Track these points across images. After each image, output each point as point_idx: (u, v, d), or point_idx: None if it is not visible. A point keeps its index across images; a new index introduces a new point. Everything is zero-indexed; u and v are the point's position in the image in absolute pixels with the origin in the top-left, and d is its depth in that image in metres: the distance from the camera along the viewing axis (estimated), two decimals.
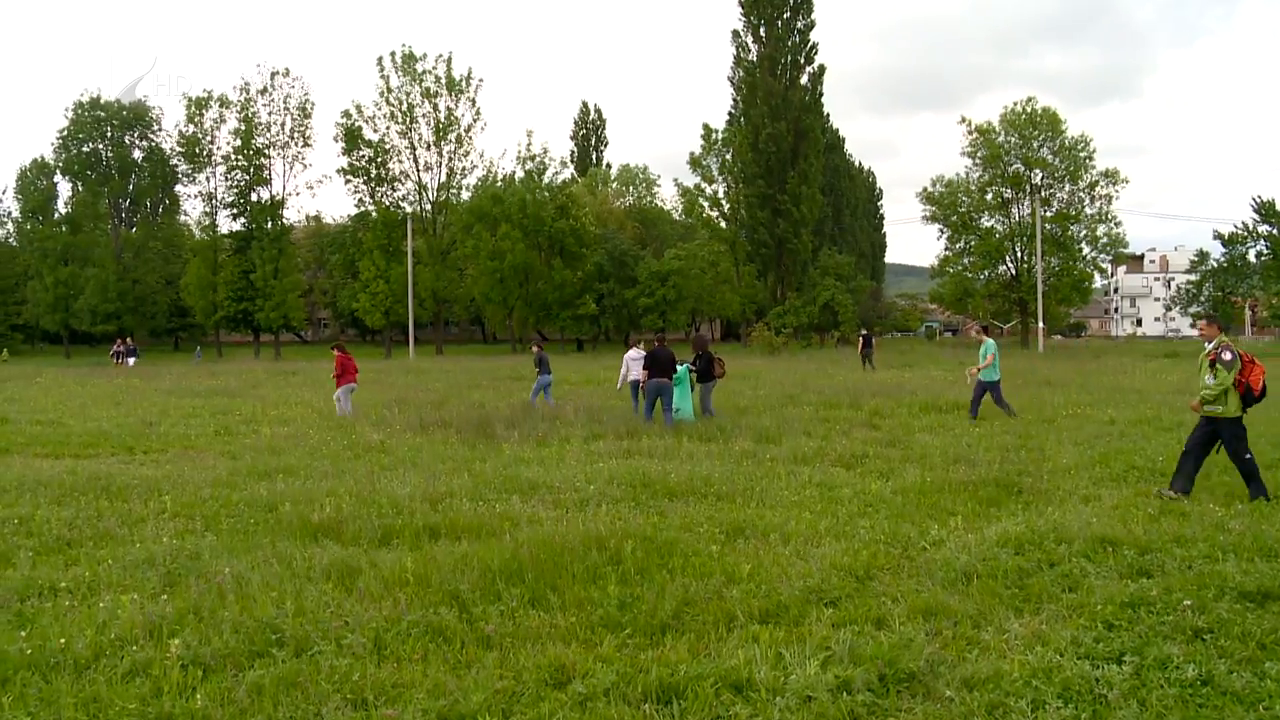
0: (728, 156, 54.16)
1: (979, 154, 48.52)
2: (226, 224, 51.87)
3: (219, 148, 50.73)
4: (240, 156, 50.13)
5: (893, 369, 25.38)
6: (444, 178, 52.36)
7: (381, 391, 19.94)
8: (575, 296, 51.11)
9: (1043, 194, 48.52)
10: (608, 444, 10.29)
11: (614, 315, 52.91)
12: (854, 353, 35.37)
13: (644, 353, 13.34)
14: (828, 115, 65.04)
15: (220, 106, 50.30)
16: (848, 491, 7.35)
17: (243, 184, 50.74)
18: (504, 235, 48.54)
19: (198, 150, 50.77)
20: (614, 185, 69.44)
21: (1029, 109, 48.18)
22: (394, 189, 51.59)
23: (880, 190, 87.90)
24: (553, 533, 5.76)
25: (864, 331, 29.08)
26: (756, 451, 9.61)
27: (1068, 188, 48.41)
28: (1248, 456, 6.83)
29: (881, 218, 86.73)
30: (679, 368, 12.67)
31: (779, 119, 51.01)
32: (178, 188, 53.55)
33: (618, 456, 9.45)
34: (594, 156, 78.29)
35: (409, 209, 51.70)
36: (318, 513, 6.48)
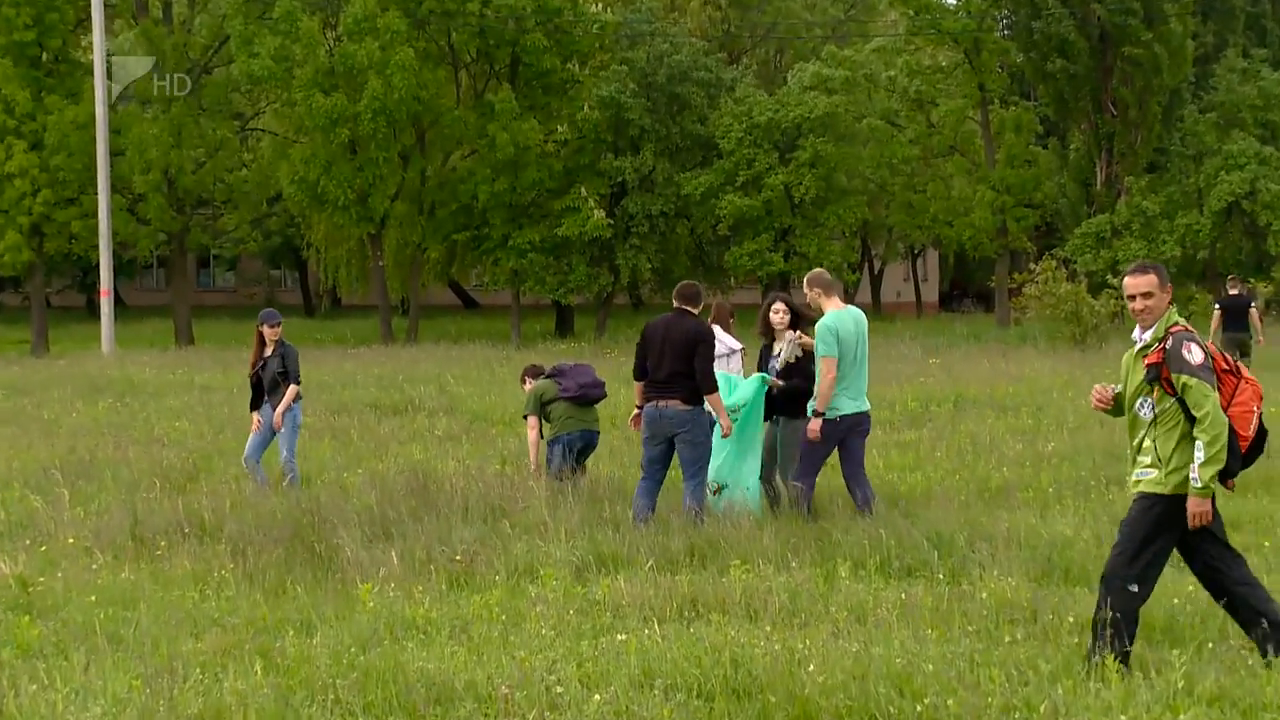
0: None
1: None
2: None
3: None
4: None
5: None
6: None
7: (25, 443, 20.26)
8: (554, 192, 51.77)
9: None
10: (636, 579, 10.51)
11: (655, 241, 53.30)
12: None
13: (727, 338, 14.88)
14: None
15: None
16: None
17: None
18: (359, 28, 48.87)
19: None
20: None
21: None
22: None
23: None
24: None
25: (1231, 290, 29.69)
26: (1037, 605, 9.73)
27: None
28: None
29: None
30: (727, 377, 14.10)
31: None
32: None
33: (668, 615, 9.63)
34: None
35: None
36: None
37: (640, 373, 13.75)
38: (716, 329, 15.06)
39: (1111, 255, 48.85)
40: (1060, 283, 41.28)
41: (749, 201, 50.90)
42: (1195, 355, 8.40)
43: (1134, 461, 8.76)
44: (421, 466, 16.31)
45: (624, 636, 8.91)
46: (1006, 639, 8.87)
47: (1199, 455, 8.28)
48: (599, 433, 15.95)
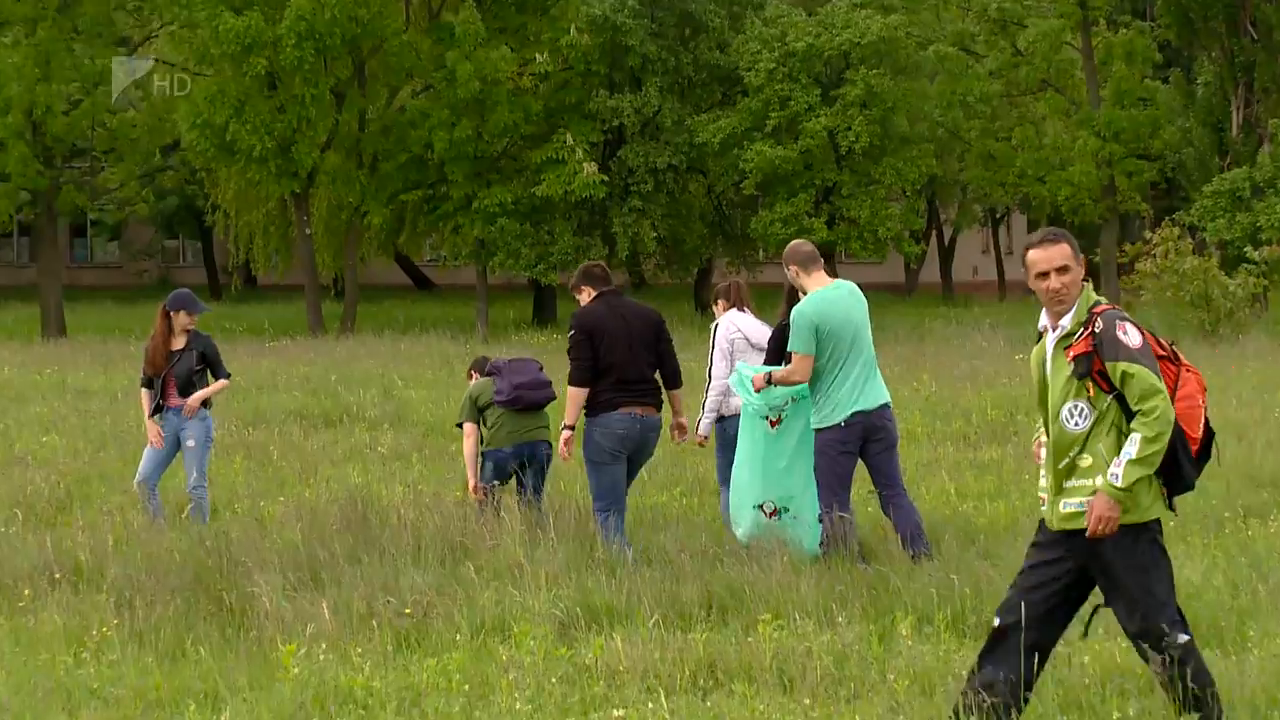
0: None
1: None
2: None
3: None
4: None
5: None
6: None
7: None
8: (531, 139, 52.02)
9: None
10: (637, 638, 10.50)
11: (661, 203, 53.45)
12: None
13: (756, 323, 15.23)
14: None
15: None
16: None
17: None
18: None
19: None
20: None
21: None
22: None
23: None
24: None
25: None
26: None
27: None
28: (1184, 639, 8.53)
29: None
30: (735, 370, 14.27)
31: None
32: None
33: (678, 684, 9.60)
34: None
35: None
36: None
37: (589, 376, 13.69)
38: (745, 315, 15.11)
39: (1251, 220, 48.54)
40: (1185, 256, 41.22)
41: (782, 152, 50.96)
42: (1133, 338, 8.46)
43: (1060, 489, 8.64)
44: (361, 493, 16.28)
45: (621, 711, 8.90)
46: (1115, 715, 8.83)
47: (1129, 450, 8.28)
48: (547, 443, 15.70)
